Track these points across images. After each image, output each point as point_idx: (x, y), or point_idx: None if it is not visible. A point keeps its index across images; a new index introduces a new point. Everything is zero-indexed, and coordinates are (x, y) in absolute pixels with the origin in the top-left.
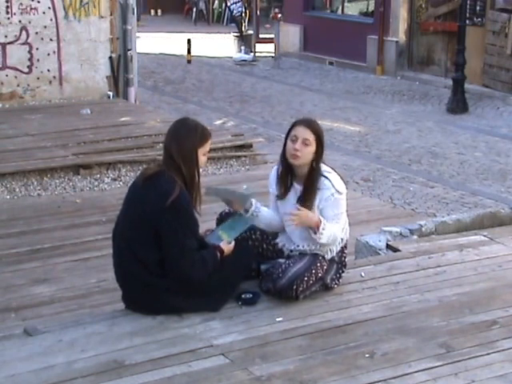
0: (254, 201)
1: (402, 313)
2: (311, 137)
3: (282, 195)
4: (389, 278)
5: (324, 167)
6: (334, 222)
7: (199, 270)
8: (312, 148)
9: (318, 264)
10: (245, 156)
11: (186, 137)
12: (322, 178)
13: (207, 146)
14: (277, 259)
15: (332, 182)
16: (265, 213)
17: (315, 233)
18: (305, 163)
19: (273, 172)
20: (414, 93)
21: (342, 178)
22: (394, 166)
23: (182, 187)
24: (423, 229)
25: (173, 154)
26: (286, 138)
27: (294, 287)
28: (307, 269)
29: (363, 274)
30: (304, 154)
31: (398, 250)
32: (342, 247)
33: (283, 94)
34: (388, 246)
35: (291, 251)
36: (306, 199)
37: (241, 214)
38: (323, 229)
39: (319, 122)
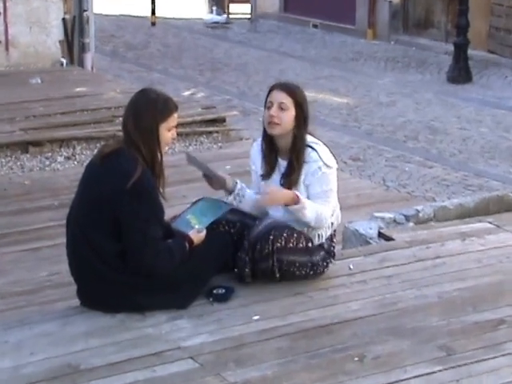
0: (238, 181)
1: (395, 310)
2: (287, 100)
3: (267, 174)
4: (381, 271)
5: (310, 138)
6: (322, 200)
7: (164, 262)
8: (290, 113)
9: (303, 236)
10: (217, 132)
11: (144, 110)
12: (309, 150)
13: (172, 121)
14: None
15: (319, 154)
16: (250, 195)
17: (296, 203)
18: (285, 131)
19: (254, 147)
20: (409, 60)
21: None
22: (387, 143)
23: (144, 167)
24: (420, 215)
25: (129, 130)
26: (265, 107)
27: (271, 238)
28: (289, 227)
29: (352, 267)
30: (281, 120)
31: (392, 239)
32: (331, 234)
33: (261, 62)
34: (380, 235)
35: None
36: (290, 173)
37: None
38: (303, 205)
39: None
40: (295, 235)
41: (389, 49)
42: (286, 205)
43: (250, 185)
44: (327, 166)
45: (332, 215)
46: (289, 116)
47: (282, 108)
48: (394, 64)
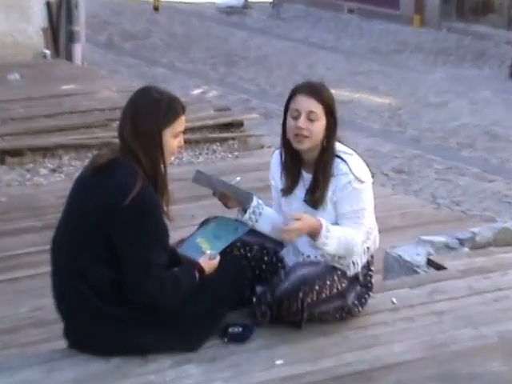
0: (255, 197)
1: (448, 353)
2: (317, 108)
3: (288, 190)
4: (430, 306)
5: (340, 147)
6: (352, 221)
7: (169, 294)
8: (321, 123)
9: (336, 277)
10: (233, 138)
11: (145, 112)
12: (337, 161)
13: (178, 126)
14: None
15: (350, 166)
16: (269, 214)
17: (317, 239)
18: (315, 144)
19: (274, 159)
20: (465, 51)
21: (366, 163)
22: (437, 151)
23: (145, 181)
24: (477, 238)
25: (127, 136)
26: (286, 113)
27: (301, 295)
28: (320, 276)
29: (395, 301)
30: (311, 132)
31: (443, 268)
32: (368, 260)
33: (285, 54)
34: (429, 262)
35: None
36: (316, 189)
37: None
38: (326, 237)
39: (333, 92)
40: (328, 282)
41: (439, 38)
42: (311, 234)
43: (270, 202)
44: (359, 181)
45: (368, 239)
46: (319, 127)
47: (311, 119)
48: (445, 57)
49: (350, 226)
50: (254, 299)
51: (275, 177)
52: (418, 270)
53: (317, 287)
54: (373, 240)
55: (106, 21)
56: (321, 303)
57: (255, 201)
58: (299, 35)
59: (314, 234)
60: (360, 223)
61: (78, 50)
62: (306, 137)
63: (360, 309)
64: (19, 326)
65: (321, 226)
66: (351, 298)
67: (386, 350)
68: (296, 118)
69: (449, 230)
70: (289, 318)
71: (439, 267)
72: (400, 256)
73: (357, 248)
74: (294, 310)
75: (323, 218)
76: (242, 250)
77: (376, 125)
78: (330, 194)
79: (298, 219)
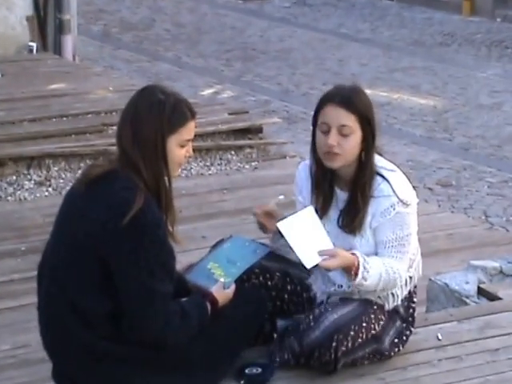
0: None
1: None
2: (350, 120)
3: (320, 209)
4: (482, 343)
5: (381, 161)
6: (394, 251)
7: (176, 329)
8: (356, 136)
9: (372, 314)
10: (250, 146)
11: (146, 117)
12: (378, 180)
13: (186, 133)
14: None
15: (393, 187)
16: None
17: (353, 279)
18: (349, 162)
19: (301, 171)
20: None
21: (409, 180)
22: (490, 162)
23: (147, 196)
24: None
25: (126, 144)
26: (315, 125)
27: (334, 345)
28: (355, 318)
29: (441, 337)
30: (344, 149)
31: (498, 298)
32: (409, 292)
33: (312, 47)
34: (481, 291)
35: (329, 297)
36: (352, 213)
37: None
38: (365, 277)
39: (368, 92)
40: (364, 324)
41: (493, 29)
42: (346, 270)
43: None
44: (403, 204)
45: (410, 267)
46: (354, 141)
47: (343, 134)
48: (500, 50)
49: (393, 257)
50: (275, 337)
51: (303, 192)
52: (468, 301)
53: (352, 333)
54: (415, 267)
55: (102, 9)
56: (357, 349)
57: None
58: (328, 25)
59: (349, 270)
60: (404, 252)
61: (69, 42)
62: (338, 154)
63: (400, 348)
64: (0, 366)
65: (358, 263)
66: (390, 336)
67: None
68: (326, 133)
69: (504, 254)
70: (320, 368)
71: (492, 297)
72: (446, 284)
73: (400, 280)
74: (327, 360)
75: (360, 245)
76: (261, 278)
77: (418, 130)
78: (369, 218)
79: (333, 255)
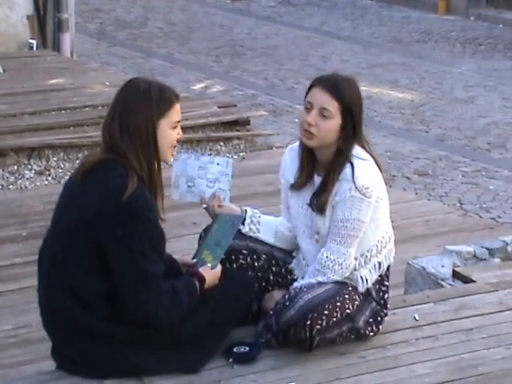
0: (248, 208)
1: (477, 376)
2: (332, 105)
3: (298, 186)
4: (457, 323)
5: (359, 152)
6: (334, 231)
7: (168, 308)
8: (333, 122)
9: (346, 295)
10: (238, 138)
11: (135, 106)
12: (347, 166)
13: (175, 115)
14: None
15: (354, 172)
16: (268, 221)
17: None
18: (323, 144)
19: (287, 154)
20: (496, 41)
21: (381, 169)
22: (464, 152)
23: (138, 183)
24: (509, 248)
25: (116, 135)
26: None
27: (309, 323)
28: (329, 298)
29: (418, 317)
30: (319, 130)
31: (472, 281)
32: (380, 276)
33: (296, 44)
34: (455, 275)
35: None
36: (321, 194)
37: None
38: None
39: None
40: (338, 304)
41: (467, 27)
42: None
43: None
44: (357, 190)
45: (379, 253)
46: (331, 126)
47: (323, 115)
48: (474, 47)
49: (334, 240)
50: (261, 318)
51: (286, 173)
52: (443, 284)
53: (326, 312)
54: (385, 254)
55: (98, 8)
56: (332, 327)
57: (250, 211)
58: (312, 23)
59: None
60: (345, 235)
61: (67, 40)
62: (312, 134)
63: (374, 329)
64: (1, 345)
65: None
66: (366, 316)
67: (408, 372)
68: (308, 111)
69: (477, 239)
70: (297, 344)
71: (467, 280)
72: (423, 268)
73: (346, 267)
74: (302, 337)
75: (324, 226)
76: (248, 259)
77: (397, 123)
78: (330, 199)
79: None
